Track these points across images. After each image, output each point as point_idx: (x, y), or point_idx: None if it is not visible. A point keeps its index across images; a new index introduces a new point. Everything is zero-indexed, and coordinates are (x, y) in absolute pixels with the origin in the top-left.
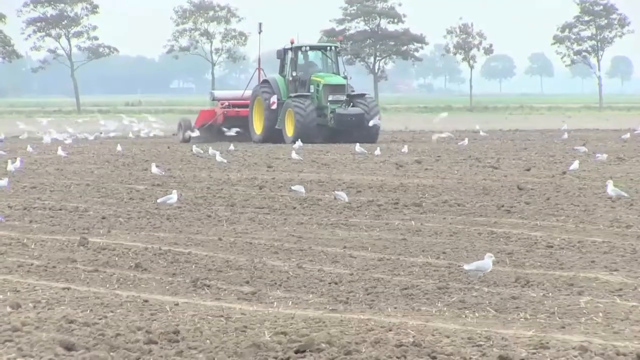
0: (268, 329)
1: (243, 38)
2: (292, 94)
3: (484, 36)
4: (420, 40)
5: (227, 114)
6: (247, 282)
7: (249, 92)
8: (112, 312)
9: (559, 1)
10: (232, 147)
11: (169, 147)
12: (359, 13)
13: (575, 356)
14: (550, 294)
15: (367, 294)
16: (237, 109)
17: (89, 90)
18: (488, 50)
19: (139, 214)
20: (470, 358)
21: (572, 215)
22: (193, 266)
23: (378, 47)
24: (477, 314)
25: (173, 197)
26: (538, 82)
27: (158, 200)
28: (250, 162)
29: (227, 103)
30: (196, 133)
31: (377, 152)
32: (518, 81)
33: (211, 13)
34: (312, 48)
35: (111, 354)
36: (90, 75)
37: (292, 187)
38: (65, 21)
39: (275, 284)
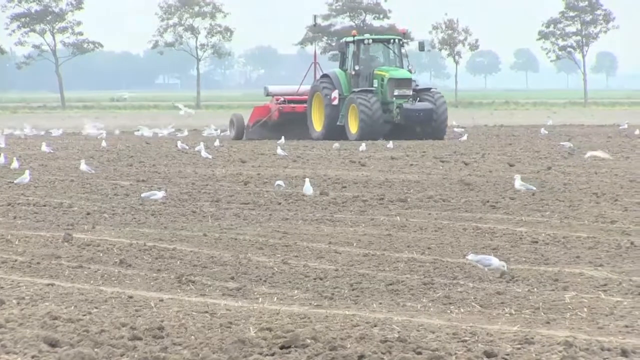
0: (253, 325)
1: (228, 33)
2: (356, 89)
3: (469, 32)
4: (406, 36)
5: (282, 110)
6: (232, 278)
7: (304, 87)
8: (96, 308)
9: None
10: (217, 142)
11: (147, 143)
12: (344, 9)
13: (560, 351)
14: (535, 289)
15: (352, 290)
16: (293, 105)
17: (73, 86)
18: (473, 46)
19: (124, 209)
20: (456, 353)
21: (557, 210)
22: (178, 262)
23: None
24: (462, 310)
25: (157, 193)
26: (523, 77)
27: (142, 195)
28: (235, 157)
29: (282, 99)
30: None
31: (363, 147)
32: (503, 77)
33: (196, 8)
34: (375, 40)
35: (95, 350)
36: (75, 71)
37: (277, 182)
38: (50, 16)
39: (260, 279)
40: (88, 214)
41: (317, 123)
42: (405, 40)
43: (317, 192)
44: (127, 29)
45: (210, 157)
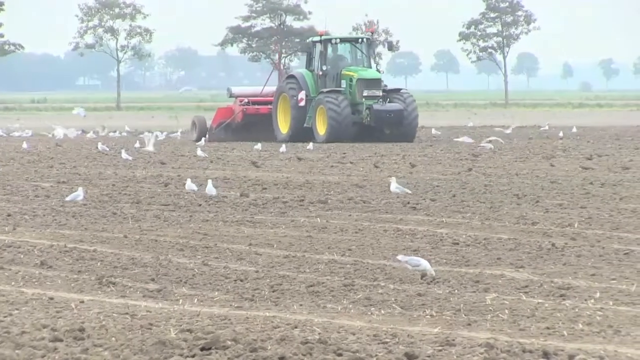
0: (173, 327)
1: (148, 35)
2: (324, 90)
3: (389, 33)
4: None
5: (246, 111)
6: (153, 280)
7: (268, 89)
8: (17, 309)
9: None
10: (137, 144)
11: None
12: (264, 10)
13: (482, 353)
14: (456, 291)
15: (273, 291)
16: (257, 107)
17: None
18: (394, 47)
19: (45, 211)
20: (376, 355)
21: (477, 212)
22: (98, 263)
23: (283, 44)
24: (382, 311)
25: (79, 193)
26: (444, 79)
27: (66, 199)
28: (155, 159)
29: (246, 100)
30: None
31: (283, 149)
32: (424, 78)
33: (116, 10)
34: (343, 40)
35: (16, 351)
36: None
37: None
38: None
39: (181, 281)
40: (9, 215)
41: (283, 125)
42: (372, 40)
43: (237, 194)
44: (47, 31)
45: (130, 158)
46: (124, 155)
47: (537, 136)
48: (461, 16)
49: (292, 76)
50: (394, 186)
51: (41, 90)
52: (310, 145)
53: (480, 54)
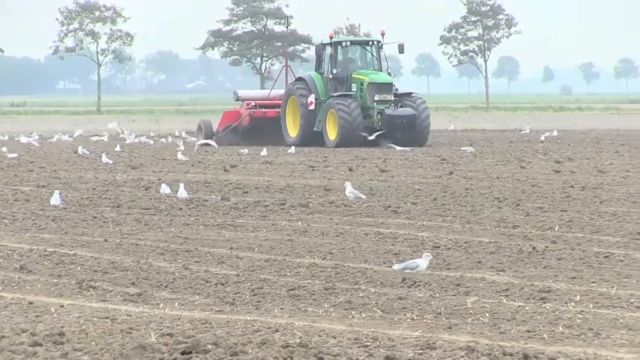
0: (154, 331)
1: (129, 38)
2: (334, 94)
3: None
4: (307, 40)
5: (253, 115)
6: (133, 284)
7: (276, 92)
8: None
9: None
10: (118, 148)
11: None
12: (245, 14)
13: (462, 356)
14: (437, 294)
15: (254, 295)
16: (264, 110)
17: None
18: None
19: (24, 215)
20: (357, 358)
21: (458, 215)
22: (78, 268)
23: (265, 47)
24: (363, 315)
25: (55, 196)
26: (425, 82)
27: (52, 203)
28: (136, 162)
29: (253, 103)
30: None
31: (264, 152)
32: (405, 81)
33: (97, 13)
34: (354, 43)
35: None
36: None
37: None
38: None
39: (161, 285)
40: None
41: (292, 129)
42: (383, 42)
43: (218, 198)
44: (28, 34)
45: (110, 162)
46: (104, 159)
47: (518, 140)
48: (442, 20)
49: (301, 79)
50: (349, 191)
51: (21, 94)
52: (292, 149)
53: (462, 57)
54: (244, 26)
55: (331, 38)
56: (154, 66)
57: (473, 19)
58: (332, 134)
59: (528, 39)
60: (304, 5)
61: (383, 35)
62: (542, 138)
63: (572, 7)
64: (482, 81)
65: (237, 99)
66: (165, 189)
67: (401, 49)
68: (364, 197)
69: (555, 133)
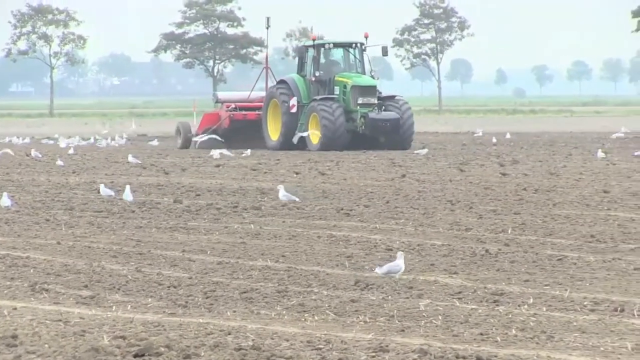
0: (107, 333)
1: (82, 41)
2: (317, 97)
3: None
4: (260, 43)
5: (233, 117)
6: (86, 286)
7: (255, 94)
8: None
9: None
10: (71, 151)
11: None
12: (198, 16)
13: (415, 359)
14: (389, 297)
15: (206, 298)
16: (244, 112)
17: None
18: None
19: None
20: None
21: (411, 218)
22: (31, 270)
23: (217, 50)
24: (316, 318)
25: (4, 197)
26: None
27: (2, 205)
28: (88, 165)
29: (233, 106)
30: (202, 137)
31: (216, 154)
32: None
33: (50, 16)
34: (337, 45)
35: None
36: None
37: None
38: None
39: (114, 287)
40: None
41: (273, 132)
42: (366, 45)
43: (170, 200)
44: None
45: (63, 164)
46: (58, 162)
47: (470, 142)
48: (395, 22)
49: (283, 81)
50: (282, 194)
51: None
52: (248, 152)
53: (414, 60)
54: (196, 29)
55: (314, 40)
56: (106, 69)
57: (426, 21)
58: (314, 138)
59: (481, 41)
60: (256, 7)
61: (366, 37)
62: (494, 140)
63: (525, 10)
64: (434, 84)
65: (217, 101)
66: (106, 190)
67: (384, 52)
68: (297, 199)
69: (508, 136)
